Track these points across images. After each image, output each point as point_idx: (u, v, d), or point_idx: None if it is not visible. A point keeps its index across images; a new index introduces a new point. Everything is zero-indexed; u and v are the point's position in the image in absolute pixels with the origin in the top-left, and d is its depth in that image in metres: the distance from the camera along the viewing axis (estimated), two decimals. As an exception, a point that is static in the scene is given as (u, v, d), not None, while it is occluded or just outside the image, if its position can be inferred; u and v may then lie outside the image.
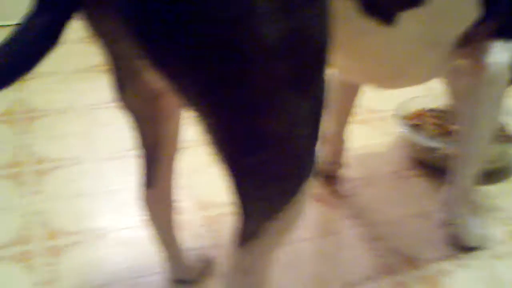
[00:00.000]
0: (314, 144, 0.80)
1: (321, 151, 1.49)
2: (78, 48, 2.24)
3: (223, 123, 0.75)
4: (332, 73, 1.19)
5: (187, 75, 0.71)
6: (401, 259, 1.30)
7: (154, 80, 0.91)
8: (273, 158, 0.77)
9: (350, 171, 1.60)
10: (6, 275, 1.22)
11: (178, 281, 1.19)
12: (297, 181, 0.81)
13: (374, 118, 1.91)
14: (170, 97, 0.96)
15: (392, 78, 1.13)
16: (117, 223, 1.39)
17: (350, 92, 1.45)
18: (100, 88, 2.01)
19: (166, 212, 1.09)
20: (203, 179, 1.54)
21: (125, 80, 0.95)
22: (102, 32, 0.83)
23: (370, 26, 0.97)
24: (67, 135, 1.75)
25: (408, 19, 0.98)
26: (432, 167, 1.60)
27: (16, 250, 1.29)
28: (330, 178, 1.56)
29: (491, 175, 1.56)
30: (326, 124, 1.34)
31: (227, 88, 0.71)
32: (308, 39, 0.72)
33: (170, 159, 1.05)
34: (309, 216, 1.42)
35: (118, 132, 1.75)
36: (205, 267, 1.22)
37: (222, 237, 1.34)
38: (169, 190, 1.07)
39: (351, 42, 1.01)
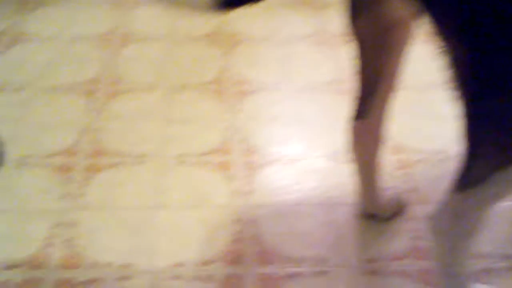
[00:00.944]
0: None
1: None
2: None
3: (475, 61, 0.72)
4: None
5: (456, 10, 0.69)
6: None
7: (396, 8, 0.88)
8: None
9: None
10: (209, 179, 1.33)
11: (368, 216, 1.21)
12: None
13: None
14: (403, 29, 0.94)
15: None
16: (310, 151, 1.43)
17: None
18: (302, 20, 2.03)
19: (373, 145, 1.09)
20: (399, 122, 1.52)
21: (361, 7, 0.94)
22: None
23: None
24: (267, 61, 1.81)
25: None
26: None
27: (218, 159, 1.39)
28: None
29: None
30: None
31: (495, 34, 0.68)
32: None
33: (387, 93, 1.04)
34: None
35: (315, 65, 1.77)
36: (397, 208, 1.22)
37: (415, 182, 1.32)
38: (380, 124, 1.07)
39: None
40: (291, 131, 1.50)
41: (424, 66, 1.62)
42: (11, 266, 1.10)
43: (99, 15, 2.06)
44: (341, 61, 1.77)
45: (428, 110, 1.56)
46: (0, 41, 1.85)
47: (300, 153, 1.42)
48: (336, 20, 2.00)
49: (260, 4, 2.15)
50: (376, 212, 1.19)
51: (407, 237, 1.18)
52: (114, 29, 1.96)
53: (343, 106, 1.55)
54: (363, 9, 0.94)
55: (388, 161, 1.38)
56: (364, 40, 0.98)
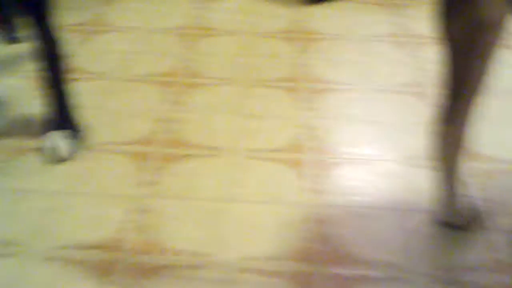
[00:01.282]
0: None
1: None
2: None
3: None
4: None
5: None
6: None
7: (490, 8, 0.85)
8: None
9: None
10: (280, 175, 1.33)
11: (444, 223, 1.17)
12: None
13: None
14: (495, 31, 0.91)
15: None
16: (384, 153, 1.40)
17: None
18: (381, 19, 2.00)
19: (455, 151, 1.06)
20: (478, 128, 1.47)
21: (454, 8, 0.92)
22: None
23: None
24: (344, 60, 1.79)
25: None
26: None
27: (290, 156, 1.39)
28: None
29: None
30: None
31: None
32: None
33: (473, 98, 1.00)
34: None
35: (392, 66, 1.74)
36: (473, 217, 1.18)
37: (493, 192, 1.27)
38: (463, 130, 1.03)
39: None
40: (366, 132, 1.48)
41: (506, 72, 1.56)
42: (88, 247, 1.14)
43: (179, 8, 2.11)
44: (421, 63, 1.73)
45: (509, 118, 1.50)
46: (84, 31, 1.92)
47: (373, 155, 1.40)
48: (416, 20, 1.96)
49: (338, 2, 2.14)
50: (453, 220, 1.15)
51: (484, 248, 1.14)
52: (192, 23, 2.00)
53: (421, 110, 1.52)
54: (456, 10, 0.91)
55: (466, 168, 1.33)
56: (454, 42, 0.95)
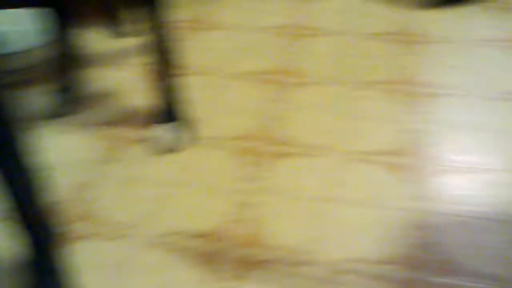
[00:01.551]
0: None
1: None
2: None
3: None
4: None
5: None
6: None
7: None
8: None
9: None
10: (381, 179, 1.31)
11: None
12: None
13: None
14: None
15: None
16: (497, 163, 1.35)
17: None
18: (494, 24, 1.92)
19: None
20: None
21: None
22: None
23: None
24: (449, 65, 1.74)
25: None
26: None
27: (395, 160, 1.36)
28: None
29: None
30: None
31: None
32: None
33: None
34: None
35: (503, 72, 1.66)
36: None
37: None
38: None
39: None
40: (471, 139, 1.43)
41: None
42: (191, 235, 1.18)
43: (282, 7, 2.13)
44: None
45: None
46: (192, 28, 1.99)
47: (479, 163, 1.35)
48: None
49: (457, 6, 2.07)
50: None
51: None
52: (295, 22, 2.01)
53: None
54: None
55: None
56: None
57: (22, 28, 1.72)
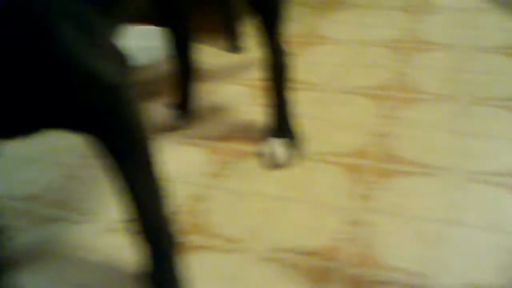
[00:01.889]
0: None
1: None
2: None
3: None
4: None
5: None
6: None
7: None
8: None
9: None
10: (504, 202, 1.24)
11: None
12: None
13: None
14: None
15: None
16: None
17: None
18: None
19: None
20: None
21: None
22: None
23: None
24: None
25: None
26: None
27: (515, 182, 1.29)
28: None
29: None
30: None
31: None
32: None
33: None
34: None
35: None
36: None
37: None
38: None
39: None
40: None
41: None
42: (303, 252, 1.18)
43: (392, 21, 2.09)
44: None
45: None
46: (299, 43, 2.00)
47: None
48: None
49: None
50: None
51: None
52: (406, 36, 1.97)
53: None
54: None
55: None
56: None
57: (145, 44, 1.83)
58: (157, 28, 1.83)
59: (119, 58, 0.86)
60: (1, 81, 0.69)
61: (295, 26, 2.10)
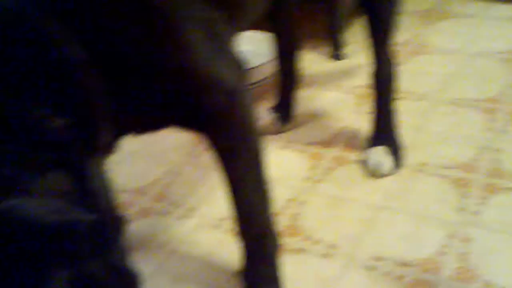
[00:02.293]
0: None
1: None
2: None
3: None
4: None
5: None
6: None
7: None
8: None
9: None
10: None
11: None
12: None
13: None
14: None
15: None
16: None
17: None
18: None
19: None
20: None
21: None
22: None
23: None
24: None
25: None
26: None
27: None
28: None
29: None
30: None
31: None
32: None
33: None
34: None
35: None
36: None
37: None
38: None
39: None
40: None
41: None
42: (406, 264, 1.15)
43: (503, 32, 2.00)
44: None
45: None
46: (404, 51, 1.97)
47: None
48: None
49: None
50: None
51: None
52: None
53: None
54: None
55: None
56: None
57: (252, 48, 1.87)
58: (263, 33, 1.87)
59: (237, 63, 0.90)
60: (133, 80, 0.74)
61: (401, 34, 2.07)
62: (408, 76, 1.80)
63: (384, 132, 1.44)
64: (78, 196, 0.61)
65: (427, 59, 1.92)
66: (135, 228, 1.34)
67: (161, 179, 1.51)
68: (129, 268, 0.62)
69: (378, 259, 1.18)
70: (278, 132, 1.62)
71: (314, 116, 1.69)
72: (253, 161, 0.95)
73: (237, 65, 0.90)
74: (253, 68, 1.77)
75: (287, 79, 1.62)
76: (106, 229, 0.59)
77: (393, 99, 1.43)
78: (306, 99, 1.76)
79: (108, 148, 0.74)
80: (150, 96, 0.76)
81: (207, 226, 1.32)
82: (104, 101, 0.66)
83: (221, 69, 0.84)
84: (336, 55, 2.02)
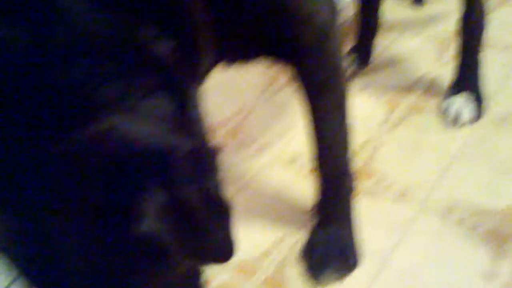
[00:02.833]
0: None
1: None
2: None
3: None
4: None
5: None
6: None
7: None
8: None
9: None
10: None
11: None
12: None
13: None
14: None
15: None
16: None
17: None
18: None
19: None
20: None
21: None
22: None
23: None
24: None
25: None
26: None
27: None
28: None
29: None
30: None
31: None
32: None
33: None
34: None
35: None
36: None
37: None
38: None
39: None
40: None
41: None
42: (483, 214, 1.14)
43: None
44: None
45: None
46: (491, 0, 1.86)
47: None
48: None
49: None
50: None
51: None
52: None
53: None
54: None
55: None
56: None
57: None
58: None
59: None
60: (233, 9, 0.74)
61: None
62: (497, 24, 1.71)
63: (467, 80, 1.40)
64: (180, 121, 0.62)
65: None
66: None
67: (235, 116, 1.52)
68: (223, 198, 0.62)
69: (452, 207, 1.17)
70: (355, 74, 1.59)
71: (393, 62, 1.64)
72: (340, 97, 0.95)
73: (331, 1, 0.89)
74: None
75: (368, 22, 1.58)
76: (205, 157, 0.60)
77: (480, 47, 1.37)
78: (386, 45, 1.72)
79: (205, 76, 0.76)
80: (248, 25, 0.76)
81: (281, 163, 1.34)
82: (208, 26, 0.67)
83: (317, 2, 0.83)
84: (416, 1, 1.94)
